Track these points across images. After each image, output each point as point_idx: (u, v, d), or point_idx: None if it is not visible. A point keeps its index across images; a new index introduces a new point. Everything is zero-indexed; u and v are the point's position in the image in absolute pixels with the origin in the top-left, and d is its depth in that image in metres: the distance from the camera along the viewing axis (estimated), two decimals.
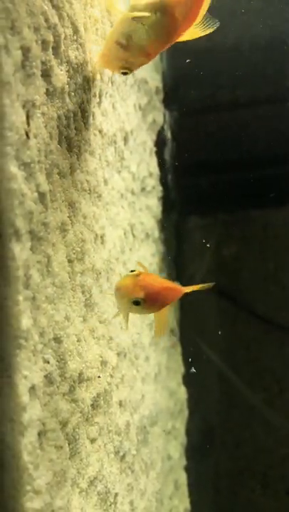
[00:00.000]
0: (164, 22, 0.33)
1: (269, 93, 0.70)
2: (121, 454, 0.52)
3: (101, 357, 0.48)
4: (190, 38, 0.36)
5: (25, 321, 0.35)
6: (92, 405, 0.45)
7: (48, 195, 0.39)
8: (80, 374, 0.43)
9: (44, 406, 0.37)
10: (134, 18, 0.33)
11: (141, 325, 0.63)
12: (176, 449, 0.77)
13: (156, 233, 0.72)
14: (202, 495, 0.89)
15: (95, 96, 0.49)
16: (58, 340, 0.40)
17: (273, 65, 0.69)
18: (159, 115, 0.74)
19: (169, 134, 0.76)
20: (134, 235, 0.62)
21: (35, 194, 0.37)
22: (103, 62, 0.39)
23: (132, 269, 0.52)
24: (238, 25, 0.68)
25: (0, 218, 0.34)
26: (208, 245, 0.91)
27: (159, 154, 0.74)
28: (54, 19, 0.40)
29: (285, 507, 0.98)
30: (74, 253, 0.43)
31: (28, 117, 0.36)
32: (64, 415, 0.40)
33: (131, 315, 0.46)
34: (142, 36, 0.34)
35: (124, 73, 0.38)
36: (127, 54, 0.36)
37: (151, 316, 0.68)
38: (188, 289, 0.47)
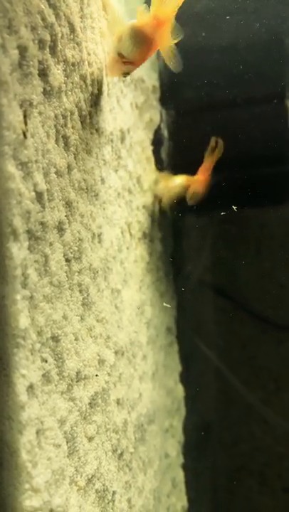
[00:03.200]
0: (138, 40, 0.46)
1: (266, 92, 0.71)
2: (119, 452, 0.53)
3: (98, 355, 0.48)
4: (164, 48, 0.47)
5: (23, 320, 0.35)
6: (89, 404, 0.45)
7: (46, 195, 0.39)
8: (78, 372, 0.43)
9: (42, 404, 0.37)
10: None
11: (138, 324, 0.63)
12: (173, 447, 0.77)
13: (154, 232, 0.72)
14: (200, 493, 0.90)
15: (92, 95, 0.49)
16: (55, 339, 0.40)
17: (270, 64, 0.70)
18: (155, 114, 0.74)
19: (165, 133, 0.76)
20: (131, 234, 0.62)
21: (33, 193, 0.37)
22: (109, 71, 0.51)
23: (129, 268, 0.52)
24: (235, 24, 0.68)
25: None
26: (205, 244, 0.91)
27: (156, 153, 0.74)
28: (51, 18, 0.40)
29: (282, 505, 0.99)
30: (71, 252, 0.44)
31: (25, 116, 0.36)
32: (62, 414, 0.40)
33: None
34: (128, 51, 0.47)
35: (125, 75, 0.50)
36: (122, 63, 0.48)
37: (148, 314, 0.68)
38: None
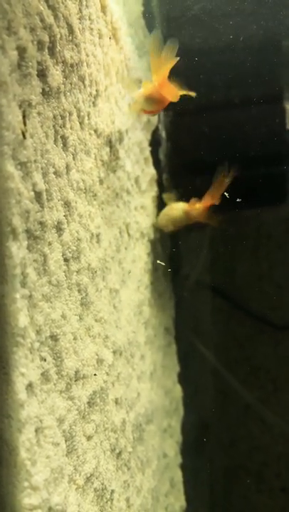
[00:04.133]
0: (150, 102, 0.56)
1: (262, 93, 0.71)
2: (117, 451, 0.53)
3: (97, 355, 0.49)
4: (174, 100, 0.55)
5: (23, 319, 0.35)
6: (88, 403, 0.46)
7: (44, 194, 0.39)
8: (77, 372, 0.44)
9: (41, 403, 0.37)
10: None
11: (136, 324, 0.63)
12: (171, 447, 0.77)
13: (152, 232, 0.72)
14: (197, 492, 0.90)
15: (90, 96, 0.50)
16: (54, 338, 0.40)
17: (267, 66, 0.70)
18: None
19: (163, 134, 0.76)
20: (129, 234, 0.63)
21: (32, 193, 0.37)
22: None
23: (128, 268, 0.53)
24: (232, 26, 0.69)
25: None
26: (202, 244, 0.92)
27: (154, 154, 0.74)
28: (50, 19, 0.40)
29: (280, 504, 0.99)
30: (70, 252, 0.44)
31: (24, 117, 0.36)
32: (61, 412, 0.40)
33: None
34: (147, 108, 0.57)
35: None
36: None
37: (147, 314, 0.68)
38: None
